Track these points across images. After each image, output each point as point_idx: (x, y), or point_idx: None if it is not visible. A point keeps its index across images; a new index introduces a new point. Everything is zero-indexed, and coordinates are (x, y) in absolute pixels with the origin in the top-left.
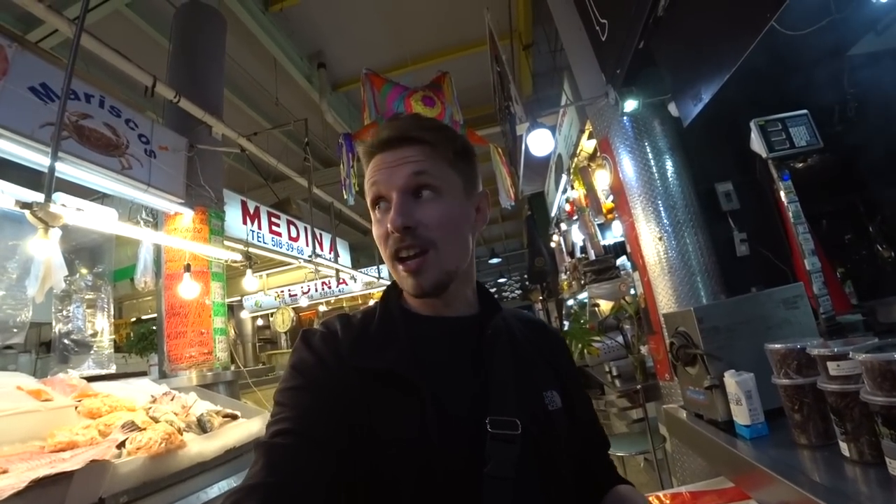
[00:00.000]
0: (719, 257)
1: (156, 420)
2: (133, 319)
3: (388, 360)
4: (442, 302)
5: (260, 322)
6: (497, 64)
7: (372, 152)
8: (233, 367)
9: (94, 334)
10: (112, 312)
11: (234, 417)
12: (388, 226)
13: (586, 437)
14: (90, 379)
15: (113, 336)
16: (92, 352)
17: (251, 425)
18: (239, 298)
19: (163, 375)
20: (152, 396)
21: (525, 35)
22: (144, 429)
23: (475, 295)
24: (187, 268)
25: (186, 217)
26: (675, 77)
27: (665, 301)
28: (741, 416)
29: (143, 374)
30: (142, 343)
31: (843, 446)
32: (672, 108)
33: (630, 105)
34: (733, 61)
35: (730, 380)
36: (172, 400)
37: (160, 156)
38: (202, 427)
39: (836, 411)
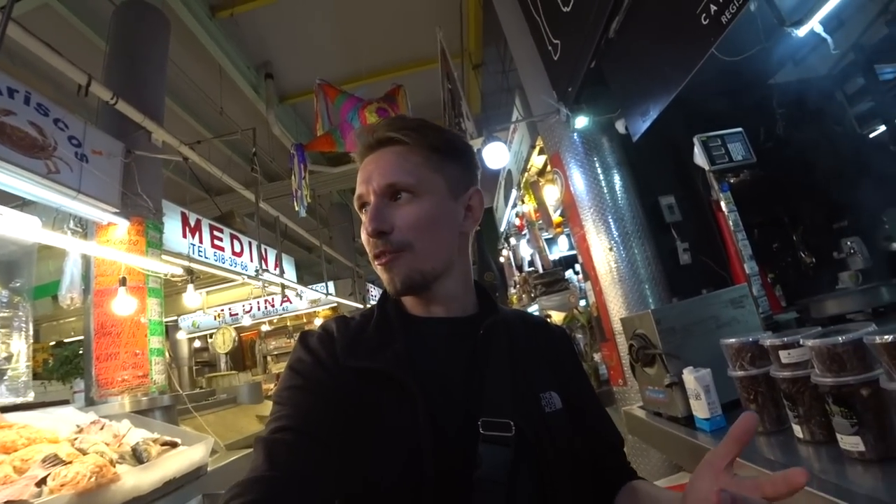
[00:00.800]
0: (664, 266)
1: (83, 452)
2: (52, 343)
3: (383, 361)
4: (435, 303)
5: (197, 344)
6: (448, 81)
7: (360, 158)
8: (170, 392)
9: (9, 357)
10: (31, 333)
11: (174, 445)
12: (363, 230)
13: (595, 437)
14: (4, 409)
15: (29, 362)
16: (6, 378)
17: (193, 453)
18: (175, 318)
19: (90, 403)
20: (78, 426)
21: (475, 55)
22: (70, 462)
23: (473, 296)
24: (122, 281)
25: (121, 228)
26: (624, 95)
27: (616, 309)
28: (701, 410)
29: (66, 402)
30: (64, 367)
31: (797, 429)
32: (619, 125)
33: (581, 122)
34: (679, 81)
35: (689, 376)
36: (102, 429)
37: (93, 160)
38: (138, 457)
39: (788, 397)
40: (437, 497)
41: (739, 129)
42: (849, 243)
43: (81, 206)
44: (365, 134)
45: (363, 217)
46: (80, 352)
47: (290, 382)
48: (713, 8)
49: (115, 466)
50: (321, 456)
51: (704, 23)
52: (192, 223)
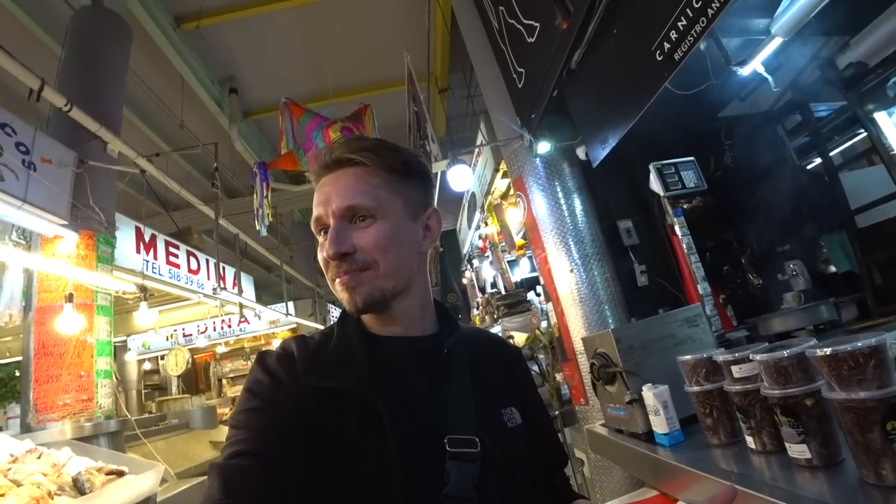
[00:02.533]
0: (623, 287)
1: (17, 483)
2: None
3: (346, 380)
4: (395, 321)
5: (147, 366)
6: (414, 104)
7: (317, 177)
8: (117, 417)
9: None
10: None
11: (121, 474)
12: (325, 253)
13: (546, 452)
14: None
15: None
16: None
17: (141, 482)
18: (123, 339)
19: (26, 429)
20: (11, 455)
21: (441, 79)
22: (2, 495)
23: (433, 314)
24: (69, 297)
25: (69, 241)
26: (584, 123)
27: (577, 329)
28: (660, 425)
29: None
30: None
31: (749, 440)
32: (580, 152)
33: (543, 147)
34: (636, 111)
35: (648, 392)
36: (39, 458)
37: (42, 169)
38: (79, 489)
39: (741, 409)
40: None
41: (692, 157)
42: (791, 266)
43: (26, 216)
44: (321, 154)
45: (321, 239)
46: (17, 374)
47: (247, 405)
48: (667, 46)
49: (53, 499)
50: (280, 481)
51: (659, 59)
52: (147, 238)
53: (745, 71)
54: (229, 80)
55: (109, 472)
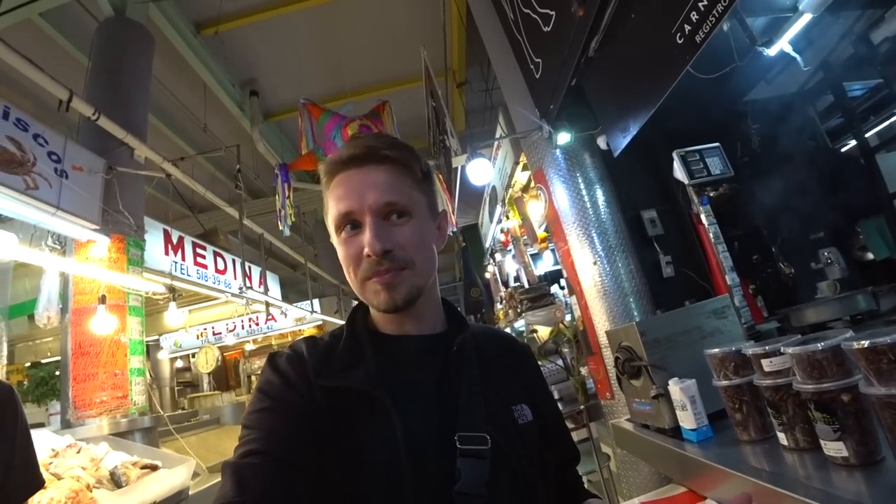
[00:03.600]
0: (648, 279)
1: (58, 477)
2: (28, 364)
3: (356, 380)
4: (409, 320)
5: (179, 364)
6: (432, 99)
7: (337, 169)
8: (151, 413)
9: None
10: (5, 353)
11: (155, 468)
12: (366, 249)
13: (558, 450)
14: None
15: None
16: None
17: (174, 476)
18: (156, 337)
19: (66, 425)
20: (53, 450)
21: (459, 74)
22: (45, 488)
23: (441, 312)
24: (102, 299)
25: (101, 245)
26: (604, 112)
27: (601, 322)
28: (687, 420)
29: (41, 425)
30: (40, 389)
31: (781, 437)
32: (601, 141)
33: (563, 138)
34: (657, 98)
35: (674, 387)
36: (79, 452)
37: (73, 176)
38: (116, 482)
39: (772, 405)
40: None
41: (717, 144)
42: (826, 254)
43: (60, 222)
44: (352, 147)
45: (344, 234)
46: (57, 373)
47: (259, 405)
48: (688, 28)
49: (91, 491)
50: (292, 480)
51: (680, 42)
52: (175, 240)
53: (771, 51)
54: (249, 83)
55: (144, 466)
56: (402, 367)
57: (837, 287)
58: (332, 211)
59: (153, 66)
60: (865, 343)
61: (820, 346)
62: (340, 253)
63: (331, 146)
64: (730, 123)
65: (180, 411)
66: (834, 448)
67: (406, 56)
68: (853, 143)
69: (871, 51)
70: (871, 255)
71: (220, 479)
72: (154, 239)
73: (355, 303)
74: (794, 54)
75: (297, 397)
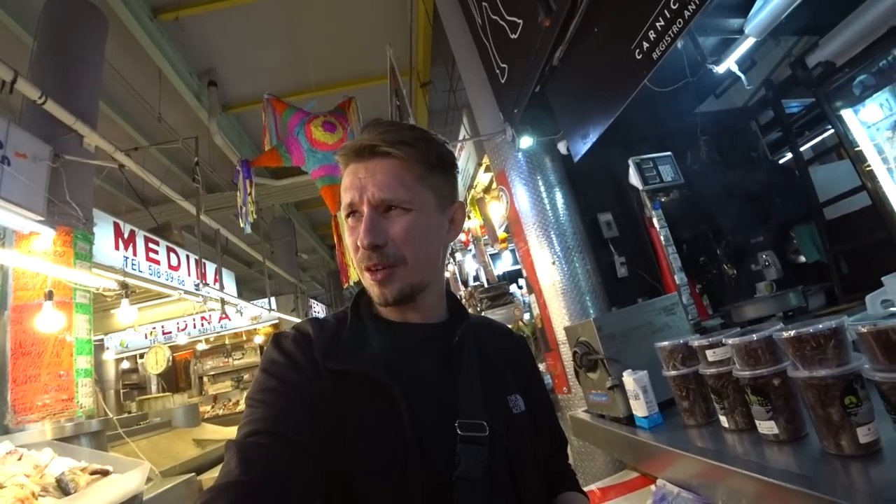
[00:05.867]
0: (603, 278)
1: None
2: None
3: (362, 364)
4: (410, 310)
5: (126, 365)
6: (397, 98)
7: (347, 160)
8: (98, 416)
9: None
10: None
11: (106, 474)
12: (358, 242)
13: (548, 439)
14: None
15: None
16: None
17: (127, 481)
18: (101, 338)
19: (4, 431)
20: None
21: (423, 74)
22: None
23: (444, 303)
24: (49, 295)
25: (46, 237)
26: (566, 118)
27: (559, 320)
28: (640, 409)
29: None
30: None
31: (723, 419)
32: (561, 146)
33: (526, 142)
34: (616, 108)
35: (628, 378)
36: (20, 459)
37: (16, 164)
38: (63, 489)
39: (715, 391)
40: (421, 496)
41: (669, 152)
42: (764, 256)
43: (1, 212)
44: (362, 137)
45: (350, 222)
46: None
47: (263, 385)
48: (646, 45)
49: (37, 499)
50: (297, 459)
51: (638, 57)
52: (126, 234)
53: (720, 69)
54: (208, 73)
55: (94, 472)
56: (406, 355)
57: (773, 287)
58: (342, 198)
59: (105, 50)
60: (792, 333)
61: (755, 336)
62: (347, 238)
63: (294, 142)
64: (681, 134)
65: (127, 415)
66: (767, 427)
67: (372, 53)
68: (790, 155)
69: (807, 73)
70: (803, 258)
71: (174, 483)
72: (104, 232)
73: (312, 301)
74: (739, 73)
75: (303, 378)
